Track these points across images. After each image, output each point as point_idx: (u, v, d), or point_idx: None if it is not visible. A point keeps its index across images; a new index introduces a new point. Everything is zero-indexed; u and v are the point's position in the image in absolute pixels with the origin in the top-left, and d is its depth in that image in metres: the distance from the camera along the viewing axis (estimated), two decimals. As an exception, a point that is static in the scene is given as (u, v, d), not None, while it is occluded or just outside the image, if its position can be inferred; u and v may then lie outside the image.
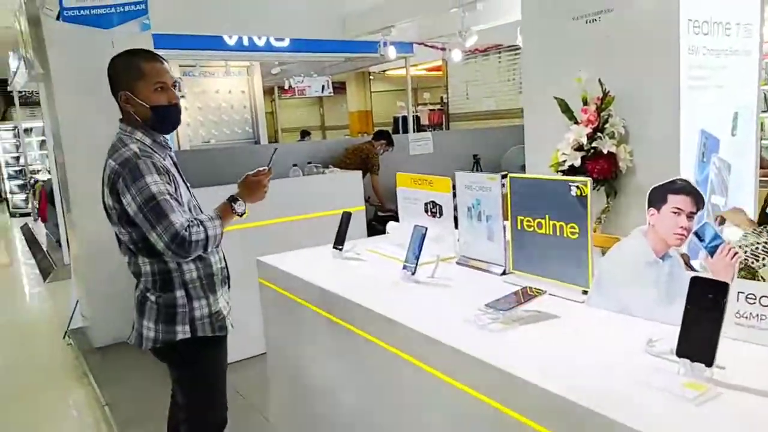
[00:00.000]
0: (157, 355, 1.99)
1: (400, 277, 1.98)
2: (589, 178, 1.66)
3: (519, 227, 1.89)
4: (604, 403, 1.07)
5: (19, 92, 10.79)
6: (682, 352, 1.17)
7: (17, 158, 12.64)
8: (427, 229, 1.98)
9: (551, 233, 1.79)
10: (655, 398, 1.10)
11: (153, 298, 1.89)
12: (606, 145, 3.16)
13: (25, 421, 3.51)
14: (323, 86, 8.60)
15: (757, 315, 1.35)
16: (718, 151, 3.45)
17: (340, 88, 15.08)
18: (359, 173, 4.22)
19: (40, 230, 9.34)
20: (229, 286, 2.09)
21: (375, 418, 1.79)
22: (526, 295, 1.62)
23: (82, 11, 3.16)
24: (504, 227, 1.98)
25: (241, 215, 1.96)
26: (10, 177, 12.67)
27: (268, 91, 12.39)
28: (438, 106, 12.21)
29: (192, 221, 1.80)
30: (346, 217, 2.39)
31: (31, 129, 12.07)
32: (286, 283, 2.20)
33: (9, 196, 12.78)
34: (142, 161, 1.79)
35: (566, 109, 3.29)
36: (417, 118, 10.68)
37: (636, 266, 1.56)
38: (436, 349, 1.46)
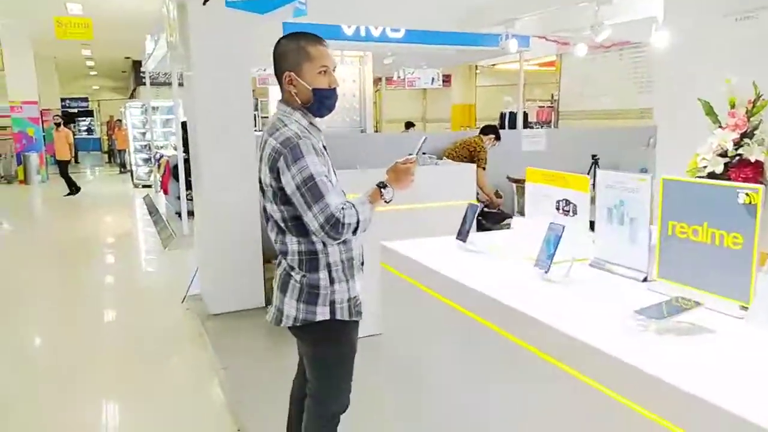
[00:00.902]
0: (294, 333, 2.05)
1: (533, 275, 1.93)
2: (762, 186, 1.52)
3: (670, 233, 1.77)
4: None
5: (150, 73, 11.68)
6: None
7: (143, 134, 13.70)
8: (564, 228, 1.91)
9: (709, 241, 1.66)
10: None
11: (297, 277, 1.95)
12: (754, 153, 2.90)
13: (147, 381, 3.78)
14: (433, 78, 8.59)
15: None
16: None
17: (445, 80, 15.02)
18: (473, 166, 4.16)
19: (161, 201, 10.08)
20: (362, 271, 2.13)
21: (500, 417, 1.76)
22: (678, 305, 1.52)
23: (242, -6, 3.30)
24: (650, 232, 1.87)
25: (388, 202, 1.98)
26: (136, 150, 13.77)
27: (375, 82, 12.56)
28: (548, 103, 11.83)
29: (346, 204, 1.85)
30: (471, 210, 2.36)
31: (156, 108, 13.01)
32: (410, 270, 2.21)
33: (134, 168, 13.90)
34: (302, 141, 1.83)
35: (710, 112, 3.05)
36: (525, 115, 10.40)
37: (813, 285, 1.42)
38: (581, 351, 1.40)
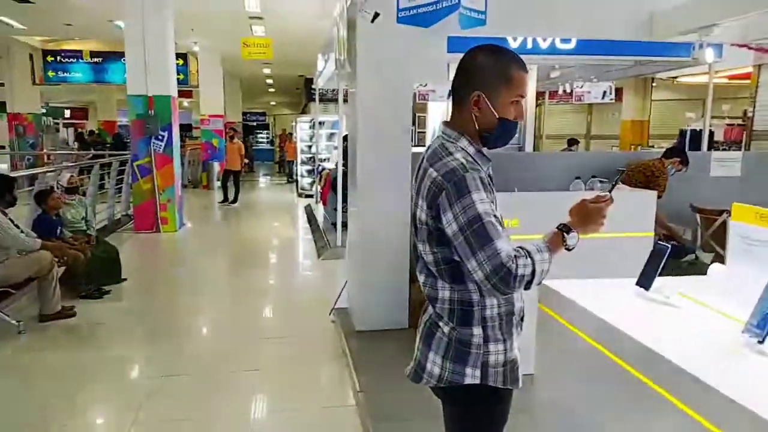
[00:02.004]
0: (436, 393, 1.78)
1: (740, 343, 1.53)
2: None
3: None
4: None
5: (320, 90, 12.37)
6: None
7: (309, 146, 14.56)
8: (790, 287, 1.49)
9: None
10: None
11: (446, 329, 1.67)
12: None
13: (281, 390, 3.80)
14: (605, 92, 7.92)
15: None
16: None
17: (615, 95, 13.93)
18: (653, 194, 3.66)
19: (320, 211, 10.57)
20: (521, 328, 1.78)
21: None
22: None
23: (413, 10, 3.21)
24: None
25: (570, 249, 1.61)
26: (302, 162, 14.68)
27: (537, 96, 12.05)
28: (739, 121, 10.36)
29: (519, 251, 1.51)
30: (659, 251, 1.98)
31: (323, 122, 13.75)
32: (575, 318, 1.91)
33: (299, 178, 14.83)
34: (469, 174, 1.54)
35: None
36: (711, 133, 9.20)
37: None
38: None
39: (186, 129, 19.57)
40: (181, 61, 14.88)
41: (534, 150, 10.67)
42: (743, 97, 10.87)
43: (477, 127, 1.66)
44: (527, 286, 1.52)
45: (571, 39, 6.42)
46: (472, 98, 1.64)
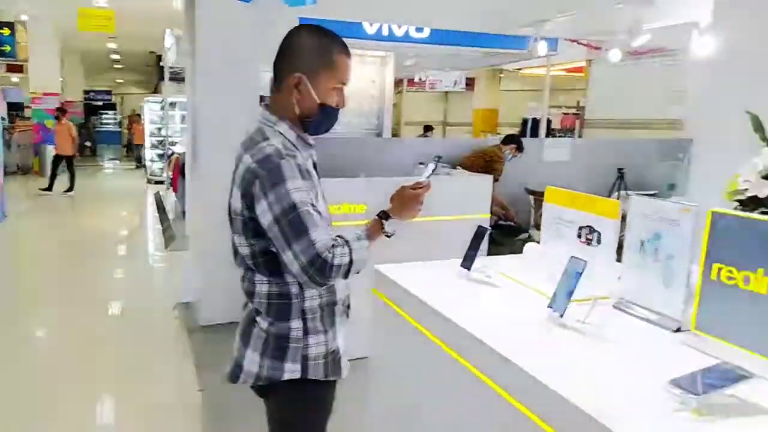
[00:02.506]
0: (257, 393, 1.69)
1: (545, 318, 1.62)
2: (841, 229, 1.21)
3: (714, 277, 1.46)
4: None
5: (170, 68, 11.55)
6: None
7: (159, 129, 13.61)
8: (586, 263, 1.60)
9: (764, 293, 1.34)
10: None
11: (264, 325, 1.57)
12: (806, 176, 2.56)
13: (119, 393, 3.52)
14: (455, 81, 8.28)
15: None
16: None
17: (468, 84, 14.66)
18: (490, 178, 3.86)
19: (170, 199, 9.93)
20: (348, 316, 1.74)
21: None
22: (723, 376, 1.21)
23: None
24: (690, 274, 1.55)
25: (390, 236, 1.60)
26: (153, 146, 13.68)
27: (396, 83, 12.30)
28: (573, 110, 11.42)
29: (337, 240, 1.45)
30: (479, 233, 2.05)
31: (175, 103, 12.90)
32: (403, 301, 1.93)
33: (149, 163, 13.82)
34: (285, 161, 1.46)
35: (758, 128, 2.71)
36: (549, 122, 10.03)
37: None
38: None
39: (16, 108, 17.28)
40: (6, 31, 13.09)
41: (393, 136, 10.91)
42: (578, 88, 11.97)
43: (298, 112, 1.57)
44: (345, 276, 1.48)
45: (424, 28, 6.61)
46: (292, 80, 1.54)
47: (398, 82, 12.76)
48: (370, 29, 6.62)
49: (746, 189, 2.74)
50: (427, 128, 11.69)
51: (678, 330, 1.57)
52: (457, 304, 1.74)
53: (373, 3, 5.06)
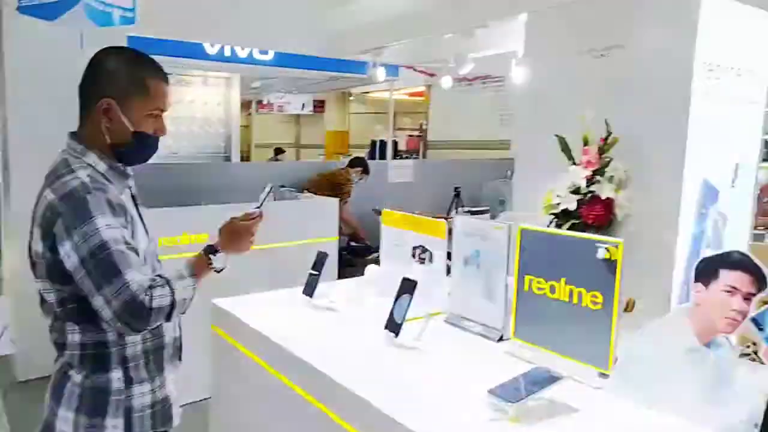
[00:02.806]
0: None
1: (381, 341, 1.66)
2: (621, 239, 1.39)
3: (526, 288, 1.60)
4: None
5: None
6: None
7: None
8: (416, 284, 1.67)
9: (567, 300, 1.50)
10: None
11: (78, 378, 1.40)
12: (605, 190, 2.93)
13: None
14: (303, 104, 8.31)
15: (839, 435, 1.07)
16: (716, 202, 3.26)
17: (318, 106, 14.82)
18: (335, 200, 3.91)
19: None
20: (180, 359, 1.60)
21: None
22: (536, 380, 1.32)
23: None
24: (507, 286, 1.69)
25: (219, 271, 1.49)
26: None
27: (245, 105, 12.05)
28: (417, 133, 12.03)
29: (155, 280, 1.33)
30: (320, 259, 2.06)
31: None
32: (244, 337, 1.86)
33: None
34: (92, 196, 1.32)
35: (565, 148, 3.06)
36: (395, 143, 10.46)
37: (673, 353, 1.28)
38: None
39: None
40: None
41: (243, 159, 10.65)
42: (421, 111, 12.63)
43: (109, 140, 1.43)
44: (167, 318, 1.37)
45: (269, 51, 6.55)
46: (100, 106, 1.41)
47: (248, 104, 12.52)
48: (212, 50, 6.43)
49: (558, 203, 3.10)
50: (278, 151, 11.58)
51: (501, 339, 1.70)
52: (297, 334, 1.72)
53: (211, 23, 4.91)
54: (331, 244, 3.75)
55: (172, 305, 1.35)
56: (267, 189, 1.67)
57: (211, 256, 1.48)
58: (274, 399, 1.69)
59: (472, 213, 5.47)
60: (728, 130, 3.07)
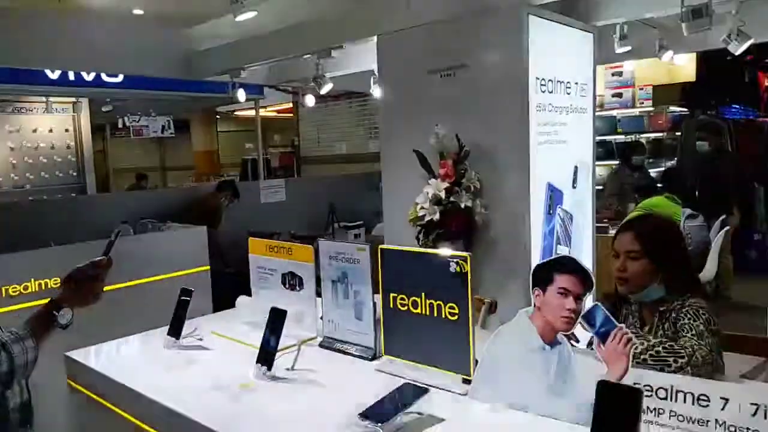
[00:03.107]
0: None
1: (253, 375, 1.64)
2: (469, 253, 1.49)
3: (391, 306, 1.66)
4: None
5: None
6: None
7: None
8: (286, 313, 1.67)
9: (428, 313, 1.58)
10: None
11: None
12: (463, 199, 3.13)
13: None
14: (163, 126, 7.91)
15: (655, 409, 1.23)
16: (562, 203, 3.60)
17: (183, 126, 14.17)
18: (203, 229, 3.76)
19: None
20: (31, 425, 1.44)
21: None
22: (405, 396, 1.38)
23: None
24: (375, 305, 1.74)
25: (65, 327, 1.37)
26: None
27: (99, 128, 11.24)
28: (289, 149, 11.95)
29: None
30: (184, 297, 1.98)
31: None
32: (103, 388, 1.74)
33: None
34: None
35: (424, 162, 3.22)
36: (267, 161, 10.30)
37: (522, 354, 1.40)
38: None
39: None
40: None
41: (102, 189, 9.90)
42: (290, 128, 12.56)
43: None
44: (7, 385, 1.25)
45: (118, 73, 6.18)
46: None
47: (102, 128, 11.69)
48: (53, 75, 5.94)
49: (424, 215, 3.25)
50: (141, 177, 10.90)
51: (374, 357, 1.74)
52: (161, 380, 1.64)
53: (51, 49, 4.55)
54: (203, 274, 3.61)
55: (11, 372, 1.23)
56: (113, 236, 1.58)
57: (55, 312, 1.37)
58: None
59: (349, 228, 5.56)
60: (565, 137, 3.43)
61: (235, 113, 14.17)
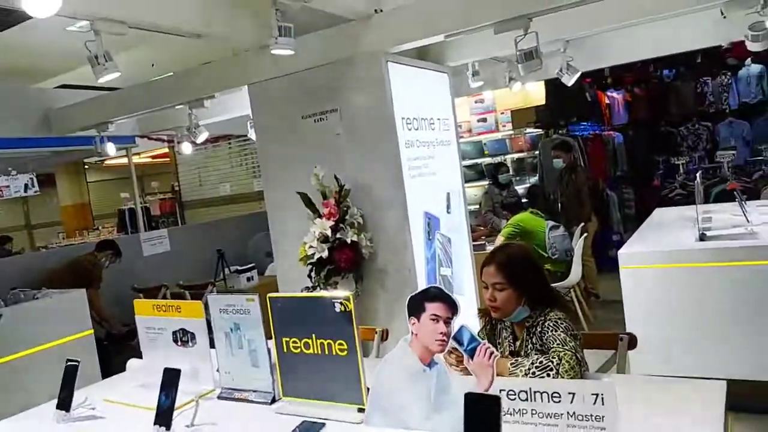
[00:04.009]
0: None
1: (152, 436, 1.65)
2: (352, 292, 1.63)
3: (285, 350, 1.76)
4: None
5: None
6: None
7: None
8: (179, 372, 1.70)
9: (320, 352, 1.69)
10: None
11: None
12: (349, 235, 3.29)
13: None
14: (26, 185, 7.33)
15: (520, 410, 1.43)
16: (439, 228, 3.89)
17: (47, 181, 13.17)
18: (83, 291, 3.60)
19: None
20: None
21: None
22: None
23: None
24: (269, 350, 1.82)
25: None
26: None
27: (-51, 192, 10.16)
28: (169, 195, 11.53)
29: None
30: (70, 371, 1.92)
31: None
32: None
33: None
34: None
35: (309, 203, 3.35)
36: (146, 209, 9.87)
37: (405, 377, 1.56)
38: None
39: None
40: None
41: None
42: (168, 173, 12.13)
43: None
44: None
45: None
46: None
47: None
48: None
49: (314, 254, 3.37)
50: (3, 240, 9.98)
51: (273, 401, 1.82)
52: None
53: None
54: (86, 339, 3.45)
55: None
56: None
57: None
58: None
59: (240, 272, 5.49)
60: (434, 168, 3.72)
61: (105, 163, 13.45)
